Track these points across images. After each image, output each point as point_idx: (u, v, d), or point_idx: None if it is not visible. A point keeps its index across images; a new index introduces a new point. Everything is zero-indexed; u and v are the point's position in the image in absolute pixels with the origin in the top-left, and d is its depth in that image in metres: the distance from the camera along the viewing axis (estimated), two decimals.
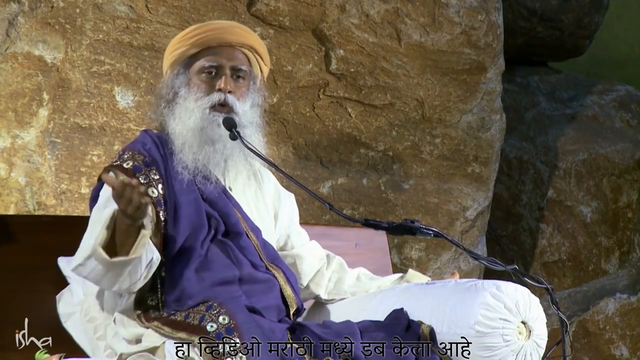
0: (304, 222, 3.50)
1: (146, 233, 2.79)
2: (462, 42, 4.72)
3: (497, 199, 5.55)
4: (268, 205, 3.29)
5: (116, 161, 3.10)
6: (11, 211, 4.04)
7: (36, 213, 4.07)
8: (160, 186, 3.07)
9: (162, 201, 3.05)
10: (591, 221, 5.75)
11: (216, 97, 3.11)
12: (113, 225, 2.80)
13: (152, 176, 3.08)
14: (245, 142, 3.10)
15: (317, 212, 4.58)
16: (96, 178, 3.95)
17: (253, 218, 3.19)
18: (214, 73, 3.13)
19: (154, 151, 3.11)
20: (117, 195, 2.70)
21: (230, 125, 3.10)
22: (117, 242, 2.80)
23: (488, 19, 4.77)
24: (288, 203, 3.37)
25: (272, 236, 3.26)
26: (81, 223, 3.18)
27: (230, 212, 3.12)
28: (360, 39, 4.57)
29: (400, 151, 4.76)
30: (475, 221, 4.94)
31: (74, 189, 4.15)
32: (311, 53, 4.54)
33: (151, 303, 2.98)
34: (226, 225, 3.11)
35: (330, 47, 4.55)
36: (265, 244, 3.17)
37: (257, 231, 3.16)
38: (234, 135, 3.10)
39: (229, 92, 3.11)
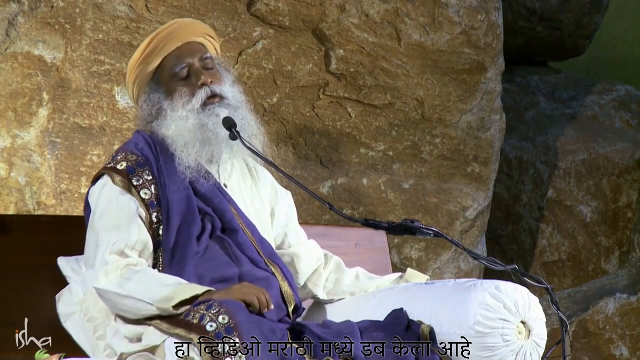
0: (303, 222, 3.50)
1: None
2: (462, 42, 4.72)
3: (497, 199, 5.55)
4: (264, 202, 3.30)
5: (110, 163, 3.12)
6: (11, 211, 4.04)
7: (36, 213, 4.07)
8: (153, 187, 3.08)
9: (155, 202, 3.07)
10: (591, 221, 5.75)
11: (203, 93, 3.13)
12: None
13: (146, 177, 3.09)
14: (245, 142, 3.11)
15: (317, 212, 4.58)
16: None
17: (249, 214, 3.19)
18: (186, 73, 3.14)
19: (147, 151, 3.13)
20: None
21: (230, 125, 3.11)
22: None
23: (488, 19, 4.77)
24: (285, 200, 3.37)
25: (269, 233, 3.26)
26: (81, 223, 3.19)
27: (225, 209, 3.13)
28: (360, 39, 4.57)
29: (400, 151, 4.76)
30: (475, 221, 4.94)
31: (74, 189, 4.15)
32: (311, 53, 4.54)
33: None
34: (222, 221, 3.11)
35: (330, 47, 4.55)
36: (262, 240, 3.17)
37: (252, 227, 3.17)
38: (234, 135, 3.11)
39: (211, 82, 3.13)
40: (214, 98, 3.13)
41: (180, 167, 3.10)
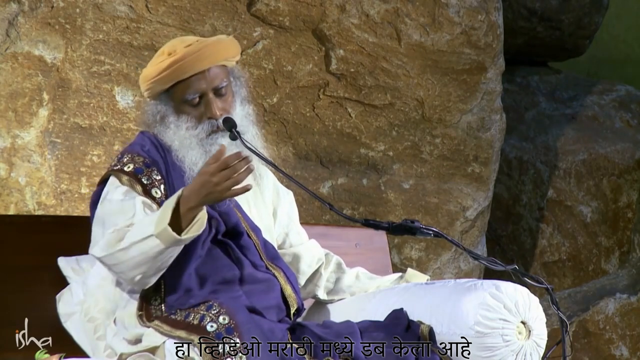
0: (304, 222, 3.50)
1: (204, 213, 2.85)
2: (462, 42, 4.72)
3: (497, 199, 5.55)
4: (267, 203, 3.29)
5: (116, 165, 3.08)
6: (11, 211, 4.04)
7: (36, 213, 4.06)
8: (162, 187, 3.06)
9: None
10: (591, 221, 5.75)
11: (208, 126, 3.08)
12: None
13: (154, 177, 3.07)
14: (245, 142, 3.10)
15: (317, 212, 4.59)
16: (96, 178, 3.95)
17: (252, 217, 3.19)
18: (197, 101, 3.10)
19: (154, 152, 3.10)
20: (228, 170, 2.80)
21: (231, 125, 3.10)
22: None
23: (488, 19, 4.77)
24: (287, 200, 3.37)
25: (271, 235, 3.26)
26: (81, 223, 3.18)
27: (230, 212, 3.12)
28: (360, 39, 4.57)
29: (400, 151, 4.76)
30: (475, 221, 4.94)
31: (74, 189, 4.15)
32: (311, 53, 4.54)
33: (154, 303, 2.98)
34: (226, 225, 3.10)
35: (330, 47, 4.55)
36: (266, 243, 3.17)
37: (257, 230, 3.16)
38: (234, 135, 3.10)
39: (219, 114, 3.10)
40: (219, 127, 3.11)
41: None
